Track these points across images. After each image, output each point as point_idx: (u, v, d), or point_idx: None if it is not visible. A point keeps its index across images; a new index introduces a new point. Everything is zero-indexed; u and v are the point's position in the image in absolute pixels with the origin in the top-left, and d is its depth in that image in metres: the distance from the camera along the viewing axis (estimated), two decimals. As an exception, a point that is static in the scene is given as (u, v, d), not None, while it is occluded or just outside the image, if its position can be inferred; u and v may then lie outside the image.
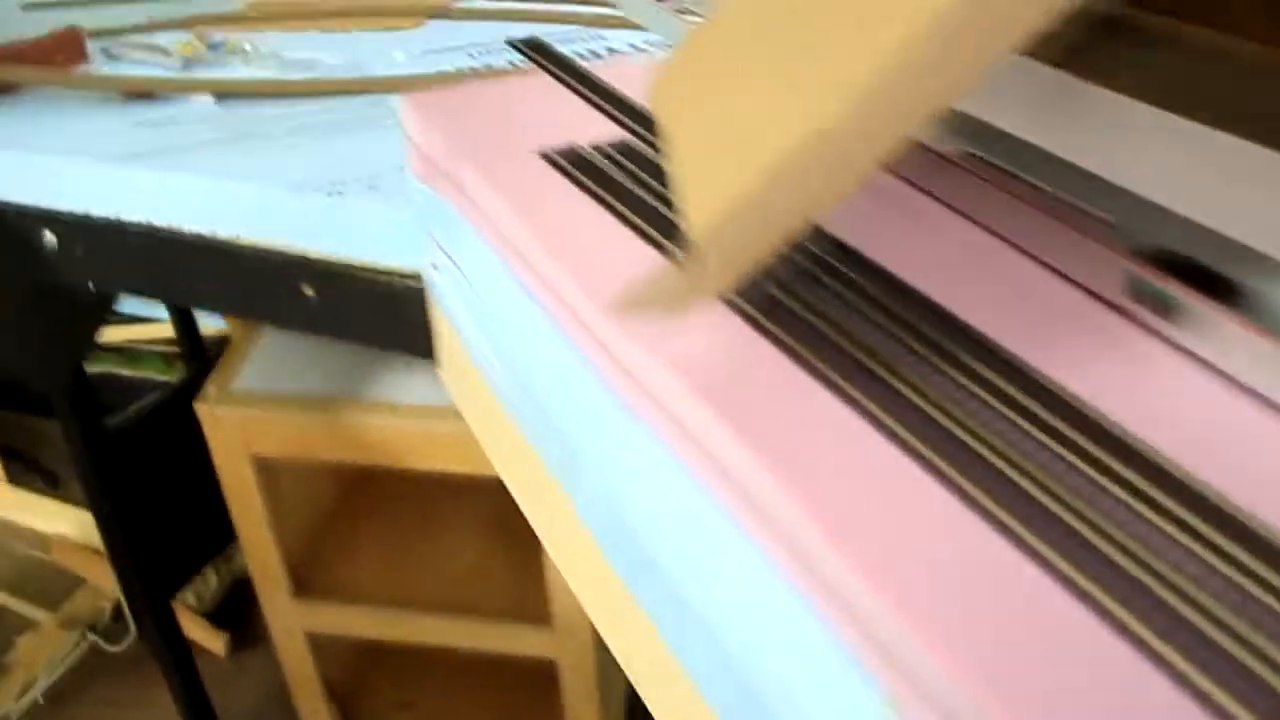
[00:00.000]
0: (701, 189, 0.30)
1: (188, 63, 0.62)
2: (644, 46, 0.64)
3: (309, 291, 0.48)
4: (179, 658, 0.88)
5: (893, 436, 0.20)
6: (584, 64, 0.43)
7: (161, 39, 0.66)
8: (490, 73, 0.59)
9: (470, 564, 0.78)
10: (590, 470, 0.31)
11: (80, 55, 0.62)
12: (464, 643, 0.77)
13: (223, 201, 0.48)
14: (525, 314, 0.33)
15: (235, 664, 1.08)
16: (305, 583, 0.77)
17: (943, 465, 0.19)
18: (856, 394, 0.22)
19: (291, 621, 0.78)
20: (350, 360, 0.68)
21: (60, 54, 0.61)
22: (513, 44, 0.50)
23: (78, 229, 0.52)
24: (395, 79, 0.58)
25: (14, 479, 1.20)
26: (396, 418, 0.64)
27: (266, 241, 0.48)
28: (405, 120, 0.40)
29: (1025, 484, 0.19)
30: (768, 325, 0.24)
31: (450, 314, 0.42)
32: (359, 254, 0.46)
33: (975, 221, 0.28)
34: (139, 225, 0.50)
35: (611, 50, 0.64)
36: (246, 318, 0.63)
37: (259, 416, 0.65)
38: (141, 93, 0.57)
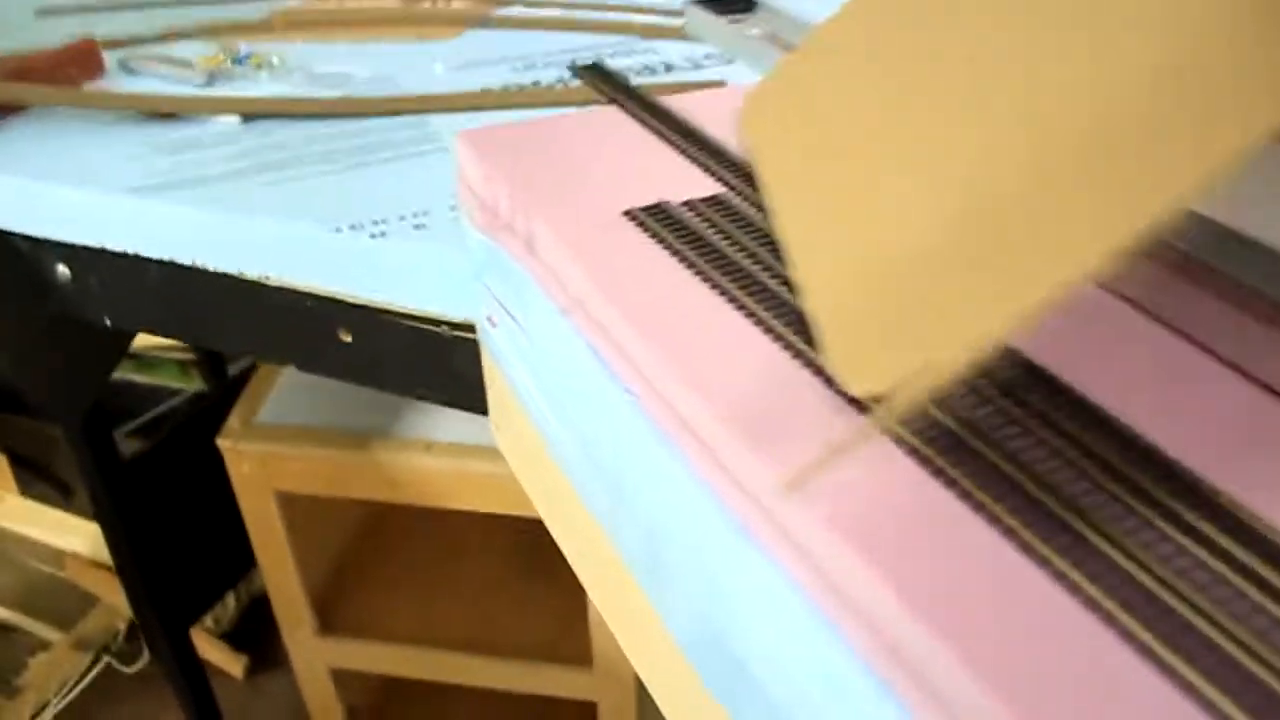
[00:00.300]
0: (830, 278, 0.26)
1: (211, 77, 0.57)
2: (704, 62, 0.59)
3: (346, 337, 0.44)
4: (194, 684, 0.84)
5: (1088, 602, 0.16)
6: (659, 97, 0.38)
7: (183, 50, 0.62)
8: (539, 92, 0.55)
9: (505, 600, 0.74)
10: (683, 582, 0.27)
11: (96, 68, 0.58)
12: (498, 683, 0.73)
13: (252, 239, 0.44)
14: (608, 398, 0.28)
15: (253, 687, 1.04)
16: (330, 618, 0.73)
17: (1160, 648, 0.15)
18: (1044, 548, 0.17)
19: (315, 658, 0.74)
20: (381, 393, 0.64)
21: (74, 67, 0.57)
22: (575, 71, 0.45)
23: (92, 263, 0.48)
24: (436, 97, 0.54)
25: (25, 489, 1.16)
26: (432, 456, 0.59)
27: (300, 283, 0.43)
28: (462, 162, 0.36)
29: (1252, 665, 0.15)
30: (934, 458, 0.20)
31: (508, 374, 0.38)
32: (403, 299, 0.42)
33: (1186, 336, 0.23)
34: (159, 261, 0.46)
35: (668, 66, 0.59)
36: (277, 362, 0.59)
37: (285, 453, 0.61)
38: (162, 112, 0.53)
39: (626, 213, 0.30)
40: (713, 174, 0.33)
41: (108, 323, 0.50)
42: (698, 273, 0.28)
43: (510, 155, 0.34)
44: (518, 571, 0.75)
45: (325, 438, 0.61)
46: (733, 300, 0.27)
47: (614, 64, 0.61)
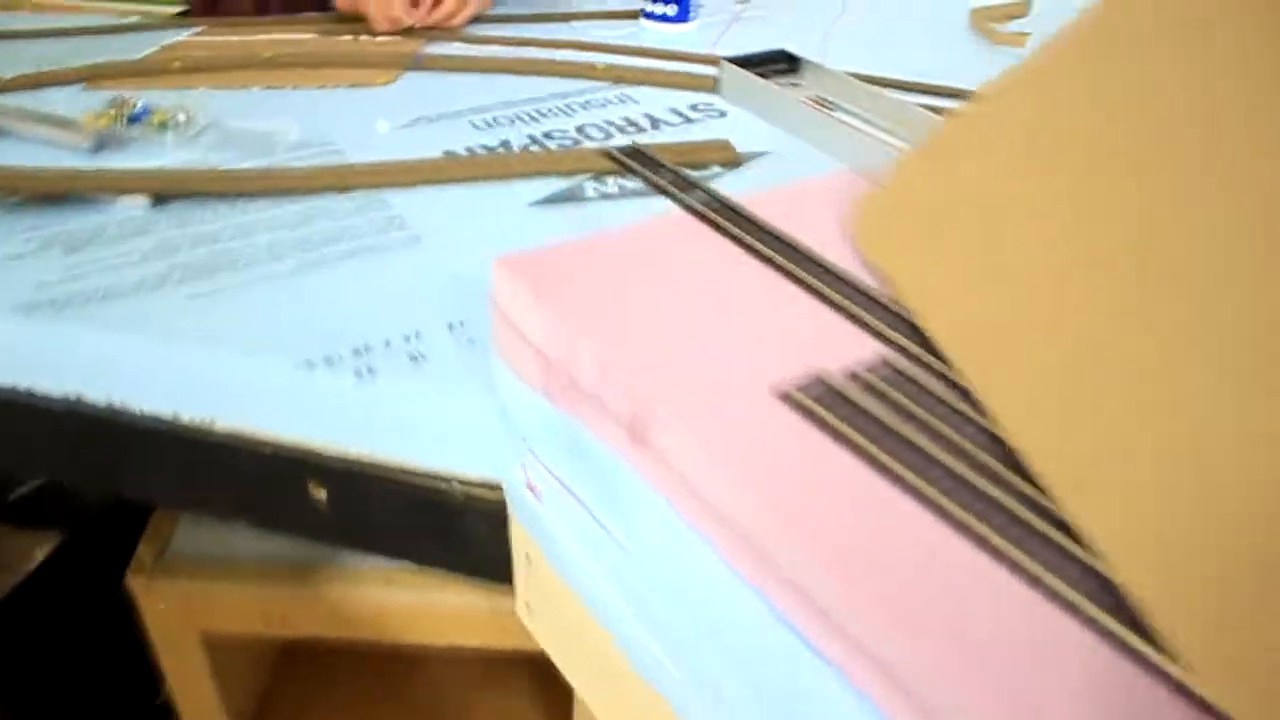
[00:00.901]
0: (1135, 524, 0.18)
1: (101, 140, 0.47)
2: (691, 114, 0.51)
3: (319, 493, 0.35)
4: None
5: None
6: (748, 204, 0.30)
7: (62, 102, 0.51)
8: (520, 159, 0.46)
9: (465, 724, 0.64)
10: None
11: (-48, 133, 0.46)
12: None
13: (189, 375, 0.34)
14: (764, 633, 0.21)
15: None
16: (259, 759, 0.63)
17: None
18: None
19: (243, 807, 0.63)
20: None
21: (-77, 131, 0.45)
22: (616, 159, 0.36)
23: (-32, 401, 0.37)
24: (392, 167, 0.45)
25: None
26: (393, 590, 0.50)
27: (258, 431, 0.34)
28: (506, 299, 0.27)
29: None
30: None
31: (558, 557, 0.30)
32: (399, 453, 0.33)
33: None
34: (61, 401, 0.35)
35: (653, 120, 0.51)
36: (229, 520, 0.49)
37: (211, 589, 0.51)
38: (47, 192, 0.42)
39: (779, 393, 0.22)
40: (855, 319, 0.25)
41: (-12, 470, 0.39)
42: (905, 487, 0.20)
43: (582, 296, 0.26)
44: (485, 701, 0.65)
45: (260, 569, 0.51)
46: (968, 532, 0.19)
47: (585, 115, 0.52)
